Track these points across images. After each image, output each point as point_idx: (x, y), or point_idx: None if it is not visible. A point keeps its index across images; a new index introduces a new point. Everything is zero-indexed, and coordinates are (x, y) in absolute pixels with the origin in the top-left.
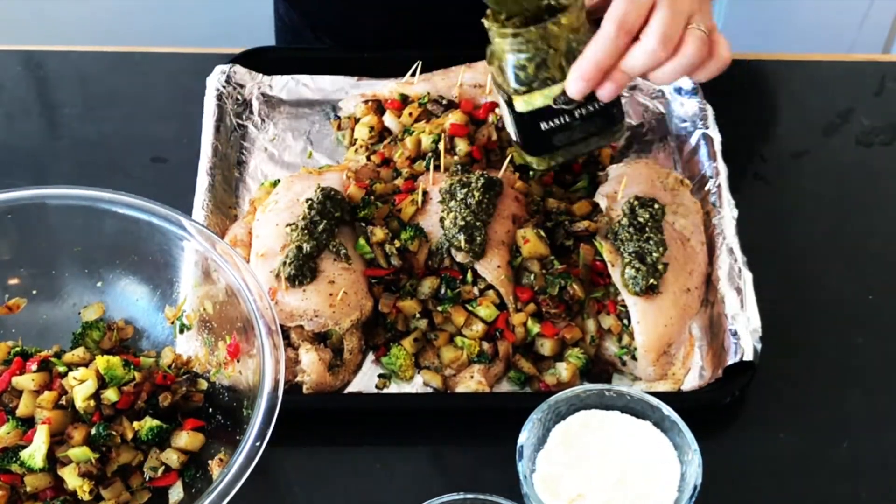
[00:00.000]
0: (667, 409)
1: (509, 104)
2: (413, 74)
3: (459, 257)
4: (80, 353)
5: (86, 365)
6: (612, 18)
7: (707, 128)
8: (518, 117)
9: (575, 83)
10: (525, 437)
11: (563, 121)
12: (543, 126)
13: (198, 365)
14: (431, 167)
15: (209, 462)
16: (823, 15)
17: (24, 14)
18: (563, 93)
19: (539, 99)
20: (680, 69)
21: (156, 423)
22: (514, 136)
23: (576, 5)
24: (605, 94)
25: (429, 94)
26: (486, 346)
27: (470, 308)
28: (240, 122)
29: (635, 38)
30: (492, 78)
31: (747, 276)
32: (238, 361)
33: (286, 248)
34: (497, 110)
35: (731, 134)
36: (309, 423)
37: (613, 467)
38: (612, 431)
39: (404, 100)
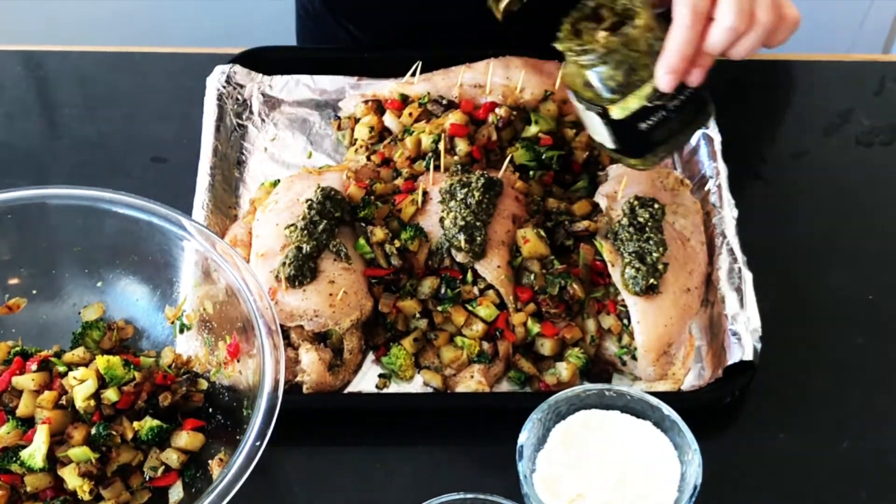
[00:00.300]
0: (667, 409)
1: (603, 115)
2: (413, 74)
3: (459, 257)
4: (80, 353)
5: (86, 365)
6: (685, 5)
7: (707, 128)
8: (617, 125)
9: (664, 78)
10: (525, 437)
11: (659, 116)
12: (642, 126)
13: (198, 365)
14: (431, 167)
15: (209, 462)
16: (823, 15)
17: (24, 14)
18: (655, 90)
19: (634, 102)
20: (758, 39)
21: (156, 423)
22: (610, 145)
23: (646, 5)
24: (694, 80)
25: (429, 94)
26: (486, 346)
27: (470, 308)
28: (240, 122)
29: (709, 19)
30: (574, 98)
31: (747, 276)
32: (238, 361)
33: (286, 249)
34: (494, 113)
35: (731, 134)
36: (309, 423)
37: (613, 467)
38: (612, 431)
39: (404, 100)
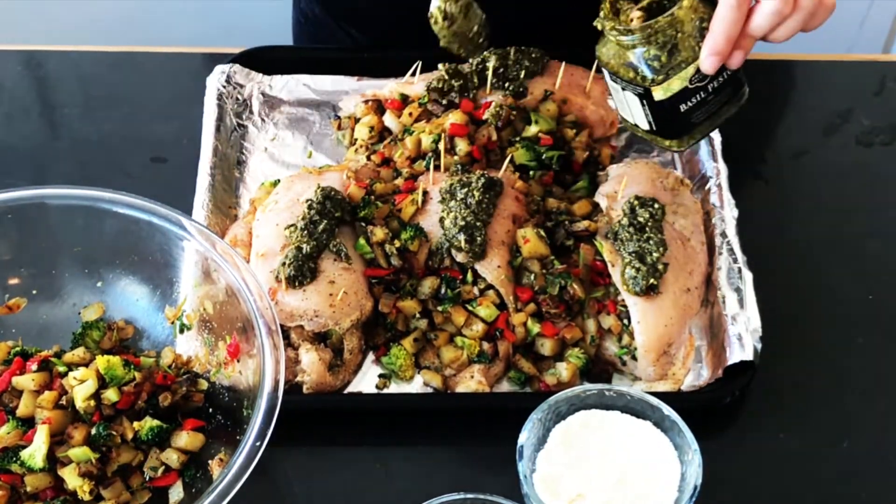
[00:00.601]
0: (667, 409)
1: (644, 96)
2: (413, 74)
3: (459, 257)
4: (80, 353)
5: (86, 365)
6: None
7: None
8: (658, 106)
9: (709, 59)
10: (525, 437)
11: (699, 98)
12: (682, 108)
13: (198, 365)
14: (431, 167)
15: (209, 462)
16: None
17: (24, 14)
18: (698, 71)
19: (677, 83)
20: (800, 22)
21: (156, 423)
22: (646, 126)
23: None
24: (735, 62)
25: (428, 93)
26: (486, 346)
27: (470, 308)
28: (240, 122)
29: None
30: (613, 77)
31: (747, 276)
32: (238, 361)
33: (286, 249)
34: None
35: (731, 134)
36: (309, 423)
37: (613, 467)
38: (612, 431)
39: (404, 100)
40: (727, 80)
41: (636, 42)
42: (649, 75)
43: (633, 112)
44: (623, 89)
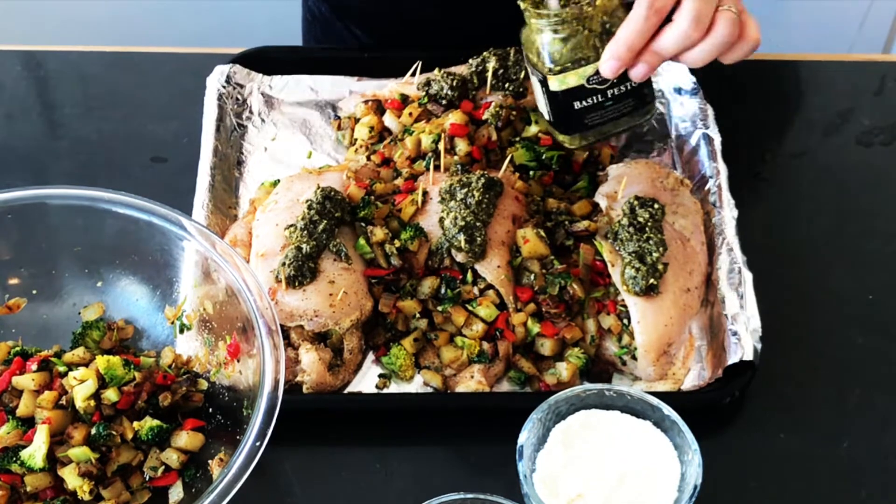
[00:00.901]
0: (667, 409)
1: (543, 83)
2: (413, 74)
3: (459, 257)
4: (80, 353)
5: (86, 365)
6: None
7: (707, 128)
8: (552, 96)
9: (607, 63)
10: (525, 437)
11: (595, 100)
12: (577, 105)
13: (198, 365)
14: (431, 167)
15: (209, 462)
16: (823, 15)
17: (24, 14)
18: (597, 72)
19: (573, 78)
20: (712, 50)
21: (156, 423)
22: (546, 116)
23: None
24: (637, 74)
25: (428, 93)
26: (486, 346)
27: (470, 308)
28: (240, 122)
29: (668, 20)
30: (526, 59)
31: (747, 276)
32: (238, 361)
33: (286, 249)
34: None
35: (731, 134)
36: (309, 423)
37: (613, 467)
38: (612, 431)
39: (404, 100)
40: (630, 90)
41: (543, 27)
42: (548, 64)
43: (538, 99)
44: (531, 74)
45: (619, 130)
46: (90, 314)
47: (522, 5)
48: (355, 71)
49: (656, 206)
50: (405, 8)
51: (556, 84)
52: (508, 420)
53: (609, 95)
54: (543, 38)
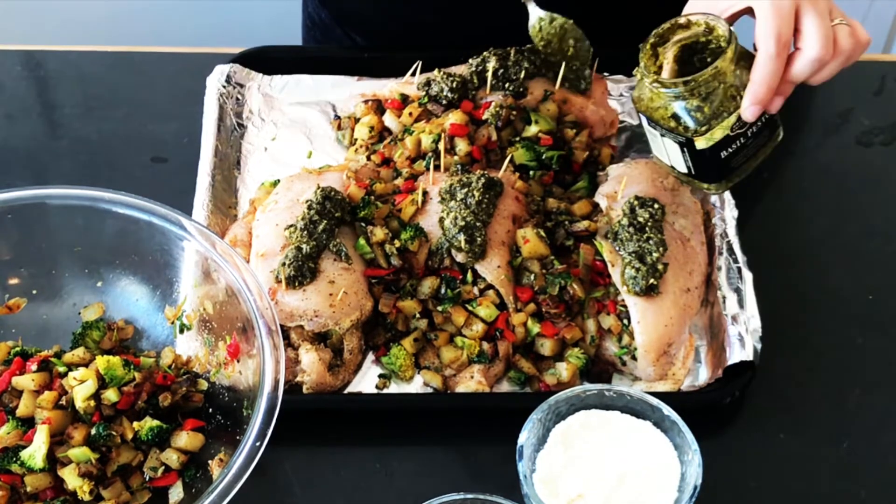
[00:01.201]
0: (667, 409)
1: (685, 144)
2: (413, 74)
3: (459, 257)
4: (80, 353)
5: (86, 365)
6: (768, 36)
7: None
8: (699, 154)
9: (750, 109)
10: (525, 437)
11: (739, 143)
12: (723, 154)
13: (198, 365)
14: (431, 167)
15: (209, 462)
16: None
17: (24, 14)
18: (739, 119)
19: (719, 132)
20: (838, 67)
21: (156, 423)
22: (684, 170)
23: (733, 38)
24: (775, 107)
25: (428, 93)
26: (486, 346)
27: (470, 308)
28: (240, 122)
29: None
30: (648, 123)
31: (747, 276)
32: (238, 361)
33: (286, 249)
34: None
35: None
36: (309, 423)
37: (613, 467)
38: (612, 431)
39: (404, 100)
40: (765, 123)
41: (679, 94)
42: (692, 126)
43: (671, 156)
44: (662, 136)
45: (758, 162)
46: (90, 314)
47: (645, 76)
48: (355, 71)
49: (656, 206)
50: (405, 14)
51: (703, 143)
52: (508, 420)
53: (749, 135)
54: (678, 104)
